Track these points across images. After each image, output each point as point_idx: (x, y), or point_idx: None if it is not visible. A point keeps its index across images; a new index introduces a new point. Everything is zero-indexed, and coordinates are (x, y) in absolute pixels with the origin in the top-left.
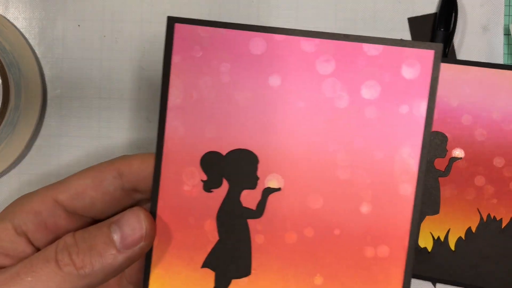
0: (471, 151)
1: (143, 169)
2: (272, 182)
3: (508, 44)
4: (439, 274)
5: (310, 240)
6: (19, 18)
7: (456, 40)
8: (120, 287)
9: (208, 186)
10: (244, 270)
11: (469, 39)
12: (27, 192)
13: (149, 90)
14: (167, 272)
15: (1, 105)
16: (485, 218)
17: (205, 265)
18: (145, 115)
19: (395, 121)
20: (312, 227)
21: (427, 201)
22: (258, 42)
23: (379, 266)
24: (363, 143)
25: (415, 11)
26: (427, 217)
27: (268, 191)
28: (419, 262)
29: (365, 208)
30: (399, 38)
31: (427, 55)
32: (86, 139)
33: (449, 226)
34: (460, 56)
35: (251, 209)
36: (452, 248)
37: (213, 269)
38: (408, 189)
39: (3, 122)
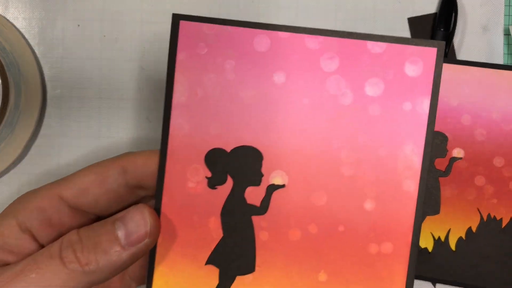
0: (471, 151)
1: (147, 165)
2: (276, 179)
3: (508, 44)
4: (440, 274)
5: (314, 237)
6: (18, 18)
7: (456, 40)
8: (123, 284)
9: (213, 183)
10: (248, 267)
11: (469, 39)
12: (17, 198)
13: (149, 90)
14: (171, 269)
15: (1, 105)
16: (485, 218)
17: (209, 262)
18: (145, 115)
19: (399, 118)
20: (316, 224)
21: (427, 201)
22: (262, 40)
23: (382, 263)
24: (367, 140)
25: (415, 11)
26: (427, 217)
27: (272, 188)
28: (419, 262)
29: (369, 205)
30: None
31: (430, 52)
32: (86, 139)
33: (450, 226)
34: (460, 56)
35: (255, 206)
36: (453, 248)
37: (217, 266)
38: (411, 185)
39: (3, 122)
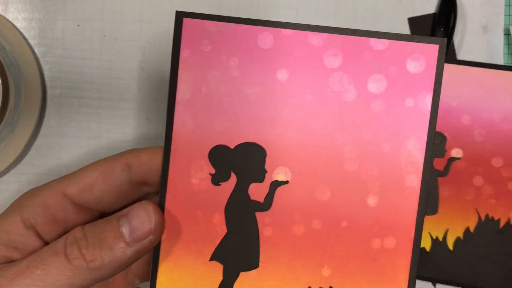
0: (470, 151)
1: (151, 162)
2: (280, 175)
3: (508, 44)
4: (438, 274)
5: (318, 232)
6: (19, 18)
7: (456, 40)
8: (126, 280)
9: (216, 179)
10: (252, 263)
11: (469, 39)
12: (21, 195)
13: (149, 90)
14: (175, 265)
15: (1, 105)
16: (483, 218)
17: (213, 258)
18: (145, 115)
19: (401, 114)
20: (319, 219)
21: (425, 201)
22: (266, 37)
23: (385, 257)
24: (370, 135)
25: (415, 11)
26: (425, 217)
27: (276, 184)
28: None
29: (372, 200)
30: None
31: (432, 49)
32: (85, 139)
33: (448, 226)
34: (460, 56)
35: (259, 202)
36: (451, 248)
37: (221, 262)
38: (414, 180)
39: (3, 122)
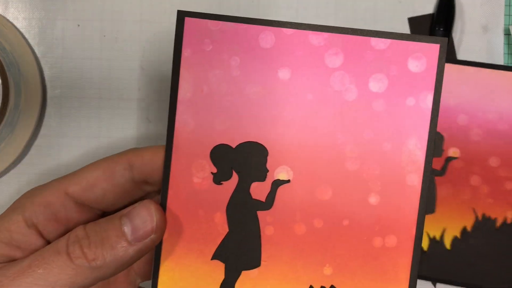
0: (467, 151)
1: (153, 161)
2: (281, 174)
3: (508, 44)
4: (435, 273)
5: (319, 231)
6: (19, 18)
7: (456, 40)
8: (128, 279)
9: (218, 178)
10: (254, 262)
11: (469, 39)
12: (23, 193)
13: (149, 90)
14: (177, 264)
15: (1, 105)
16: (480, 218)
17: (215, 257)
18: (144, 115)
19: (402, 113)
20: (321, 218)
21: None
22: (267, 36)
23: (387, 256)
24: (371, 135)
25: (415, 11)
26: None
27: (277, 183)
28: None
29: (373, 199)
30: None
31: (433, 48)
32: (85, 139)
33: (445, 226)
34: (460, 56)
35: (261, 201)
36: (448, 247)
37: (223, 261)
38: (415, 179)
39: (3, 122)
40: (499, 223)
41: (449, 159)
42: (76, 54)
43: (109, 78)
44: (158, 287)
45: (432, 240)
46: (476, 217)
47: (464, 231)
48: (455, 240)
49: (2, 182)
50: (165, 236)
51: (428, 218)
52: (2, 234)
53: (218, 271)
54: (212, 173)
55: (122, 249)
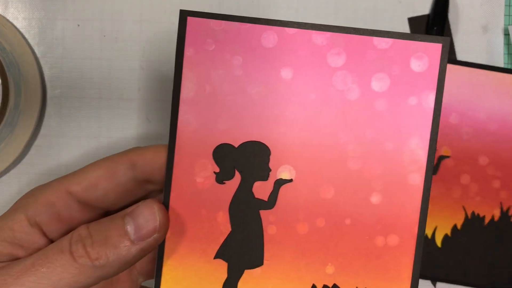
0: (458, 150)
1: (156, 160)
2: (284, 173)
3: (508, 44)
4: (426, 270)
5: (322, 230)
6: (18, 18)
7: (456, 40)
8: (130, 278)
9: (221, 178)
10: (257, 261)
11: (469, 39)
12: (26, 192)
13: (149, 90)
14: (179, 263)
15: (1, 105)
16: (469, 216)
17: (217, 256)
18: (144, 115)
19: (404, 112)
20: (323, 217)
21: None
22: (270, 36)
23: (389, 255)
24: (373, 134)
25: (415, 11)
26: None
27: (280, 182)
28: None
29: (375, 198)
30: None
31: (435, 48)
32: (85, 139)
33: (436, 224)
34: (460, 56)
35: (263, 200)
36: (439, 245)
37: (225, 260)
38: (417, 178)
39: (3, 122)
40: (487, 220)
41: (441, 157)
42: (76, 54)
43: (109, 78)
44: (161, 286)
45: (424, 238)
46: (466, 215)
47: (454, 229)
48: (446, 237)
49: (2, 182)
50: (168, 235)
51: None
52: (5, 233)
53: (220, 270)
54: (214, 172)
55: (125, 248)
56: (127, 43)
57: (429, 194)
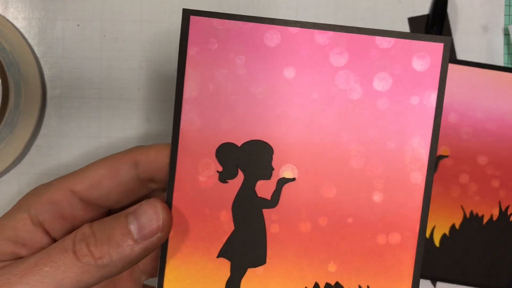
0: (457, 149)
1: (159, 159)
2: (286, 172)
3: (508, 44)
4: (425, 270)
5: (324, 229)
6: (18, 18)
7: (456, 40)
8: (133, 277)
9: (224, 177)
10: (260, 259)
11: (469, 39)
12: (26, 192)
13: (148, 90)
14: (183, 262)
15: (1, 105)
16: (468, 215)
17: (220, 254)
18: (145, 115)
19: (406, 112)
20: (326, 216)
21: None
22: (273, 35)
23: (391, 253)
24: (375, 133)
25: (415, 11)
26: None
27: (282, 181)
28: None
29: (377, 197)
30: None
31: (437, 47)
32: (85, 139)
33: (434, 223)
34: (460, 56)
35: (266, 199)
36: (437, 244)
37: (228, 258)
38: (418, 177)
39: (3, 122)
40: (485, 220)
41: (440, 157)
42: (76, 54)
43: (109, 78)
44: (164, 285)
45: None
46: (464, 215)
47: (453, 228)
48: (444, 237)
49: (2, 182)
50: (171, 234)
51: None
52: (8, 232)
53: (224, 268)
54: (217, 171)
55: (128, 247)
56: (127, 43)
57: (430, 193)
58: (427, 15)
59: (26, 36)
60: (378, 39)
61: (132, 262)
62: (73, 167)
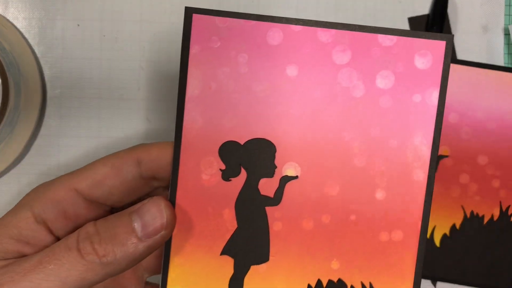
0: (457, 149)
1: (162, 157)
2: (289, 170)
3: (508, 44)
4: (425, 270)
5: (327, 226)
6: (18, 18)
7: (456, 40)
8: (136, 275)
9: (227, 175)
10: (263, 257)
11: (469, 39)
12: (26, 193)
13: (149, 90)
14: (186, 260)
15: (1, 105)
16: (468, 215)
17: (224, 252)
18: (144, 115)
19: (409, 109)
20: (328, 214)
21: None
22: (275, 33)
23: (393, 250)
24: (378, 131)
25: (415, 11)
26: None
27: (285, 179)
28: None
29: (380, 194)
30: None
31: (439, 45)
32: (85, 139)
33: (435, 223)
34: (460, 56)
35: (269, 197)
36: (437, 244)
37: (232, 256)
38: (420, 175)
39: (3, 122)
40: (486, 220)
41: (440, 157)
42: (76, 54)
43: (109, 78)
44: (168, 282)
45: None
46: (465, 215)
47: (453, 228)
48: (444, 237)
49: (2, 182)
50: (175, 232)
51: None
52: (11, 230)
53: (227, 266)
54: (220, 169)
55: (132, 246)
56: (127, 43)
57: (432, 190)
58: (427, 15)
59: (26, 36)
60: (381, 37)
61: (136, 260)
62: (73, 167)
